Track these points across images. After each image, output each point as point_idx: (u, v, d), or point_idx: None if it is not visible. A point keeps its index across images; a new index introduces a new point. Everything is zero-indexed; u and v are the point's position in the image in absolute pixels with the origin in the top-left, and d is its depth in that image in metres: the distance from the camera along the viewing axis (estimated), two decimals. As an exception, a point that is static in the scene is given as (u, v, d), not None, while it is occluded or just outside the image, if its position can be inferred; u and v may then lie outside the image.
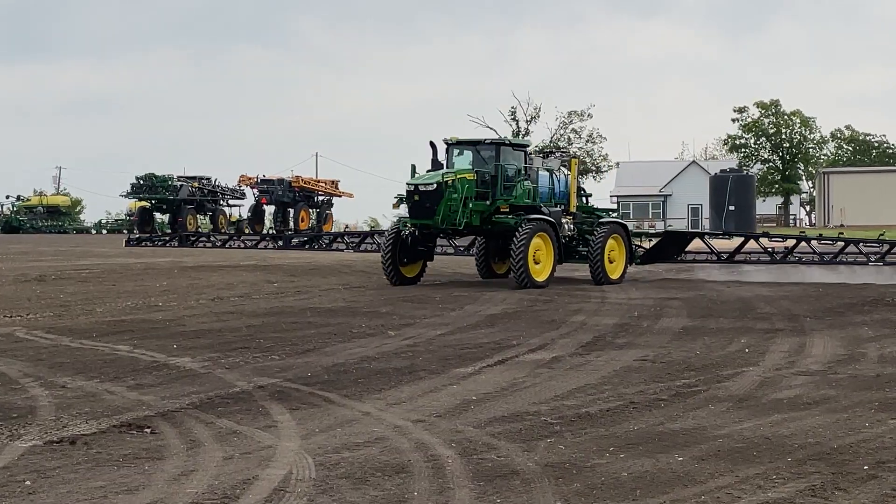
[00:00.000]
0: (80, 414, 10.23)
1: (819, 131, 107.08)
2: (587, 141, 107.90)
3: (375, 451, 8.74)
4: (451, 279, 29.28)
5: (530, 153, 28.77)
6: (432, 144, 27.86)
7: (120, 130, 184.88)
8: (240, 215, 78.47)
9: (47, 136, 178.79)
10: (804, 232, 31.61)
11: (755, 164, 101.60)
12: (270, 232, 37.85)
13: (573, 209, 29.01)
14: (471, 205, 26.36)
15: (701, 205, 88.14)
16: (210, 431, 9.45)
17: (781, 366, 13.41)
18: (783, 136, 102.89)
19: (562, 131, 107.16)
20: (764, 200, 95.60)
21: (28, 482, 7.73)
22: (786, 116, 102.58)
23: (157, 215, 76.72)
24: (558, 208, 28.38)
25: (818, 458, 8.46)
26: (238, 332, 17.05)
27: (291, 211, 74.43)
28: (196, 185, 73.56)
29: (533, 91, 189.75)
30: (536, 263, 25.94)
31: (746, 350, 14.79)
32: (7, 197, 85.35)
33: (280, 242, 40.91)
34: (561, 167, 29.52)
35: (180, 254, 40.63)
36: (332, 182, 79.11)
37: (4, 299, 22.51)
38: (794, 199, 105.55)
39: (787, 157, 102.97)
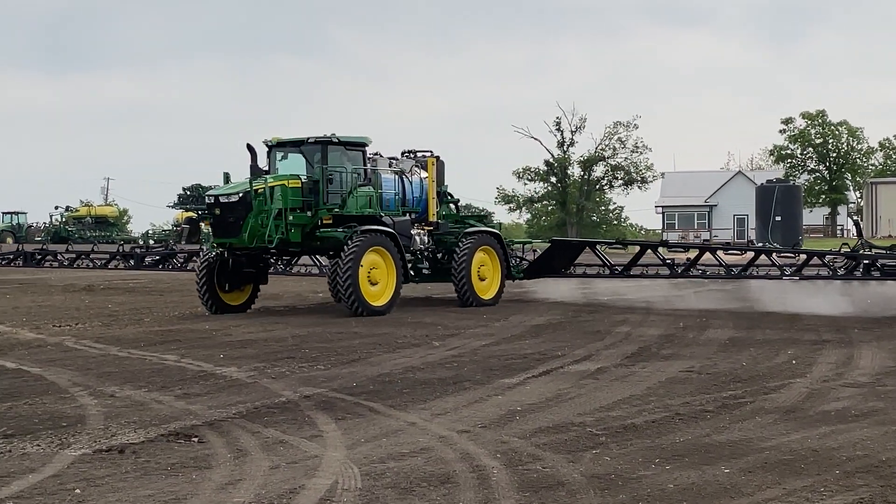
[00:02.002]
0: (129, 423, 10.32)
1: (866, 141, 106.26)
2: (632, 151, 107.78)
3: (421, 461, 8.75)
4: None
5: (376, 155, 24.45)
6: (250, 148, 23.27)
7: (166, 141, 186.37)
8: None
9: (95, 148, 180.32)
10: (708, 242, 28.14)
11: (802, 174, 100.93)
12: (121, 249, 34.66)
13: (432, 218, 25.05)
14: (291, 217, 22.27)
15: (747, 215, 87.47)
16: (256, 441, 9.51)
17: (829, 377, 13.31)
18: (830, 147, 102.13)
19: (607, 141, 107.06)
20: (811, 211, 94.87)
21: (77, 490, 7.81)
22: (832, 127, 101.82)
23: (203, 226, 77.15)
24: (407, 217, 24.26)
25: (866, 471, 8.38)
26: (284, 341, 17.14)
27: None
28: (241, 195, 73.85)
29: (576, 101, 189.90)
30: (373, 285, 22.00)
31: (794, 361, 14.68)
32: (56, 207, 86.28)
33: (132, 262, 36.09)
34: (415, 169, 25.20)
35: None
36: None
37: (54, 309, 22.76)
38: (842, 209, 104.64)
39: (834, 168, 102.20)
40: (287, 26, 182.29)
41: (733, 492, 7.78)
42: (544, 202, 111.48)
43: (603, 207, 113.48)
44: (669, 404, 11.35)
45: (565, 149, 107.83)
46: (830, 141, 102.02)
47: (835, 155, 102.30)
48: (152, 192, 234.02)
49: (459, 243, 24.47)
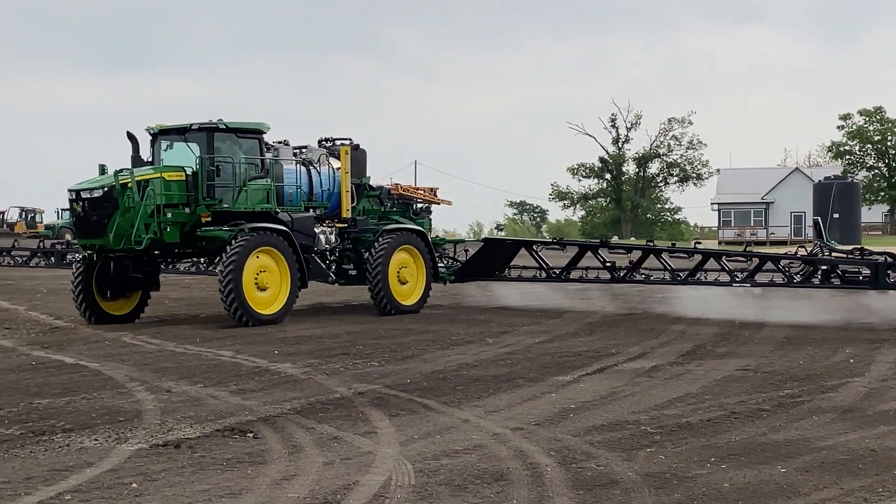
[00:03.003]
0: (185, 418, 10.40)
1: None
2: (687, 148, 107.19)
3: (474, 458, 8.75)
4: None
5: (281, 143, 22.13)
6: (130, 136, 20.67)
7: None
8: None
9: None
10: (652, 243, 22.82)
11: (860, 171, 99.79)
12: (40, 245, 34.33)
13: (346, 214, 22.50)
14: (170, 215, 19.68)
15: (804, 213, 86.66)
16: (311, 437, 9.55)
17: (888, 376, 13.14)
18: (889, 143, 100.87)
19: (662, 138, 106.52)
20: (870, 208, 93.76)
21: (134, 485, 7.88)
22: (890, 123, 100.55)
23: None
24: (310, 213, 21.72)
25: (926, 472, 8.27)
26: (338, 338, 17.21)
27: (391, 218, 74.92)
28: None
29: (631, 98, 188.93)
30: (262, 291, 19.53)
31: (851, 360, 14.52)
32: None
33: (52, 259, 34.10)
34: (325, 159, 22.59)
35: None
36: (431, 189, 79.41)
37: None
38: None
39: (894, 164, 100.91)
40: (343, 25, 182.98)
41: (790, 491, 7.71)
42: (599, 199, 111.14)
43: (658, 205, 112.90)
44: (725, 403, 11.26)
45: (620, 145, 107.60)
46: (889, 137, 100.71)
47: (894, 152, 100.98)
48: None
49: (376, 242, 21.96)
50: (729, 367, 13.86)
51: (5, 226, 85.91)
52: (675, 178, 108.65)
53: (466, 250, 25.63)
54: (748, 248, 22.45)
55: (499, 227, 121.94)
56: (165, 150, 20.72)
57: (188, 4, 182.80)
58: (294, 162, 21.80)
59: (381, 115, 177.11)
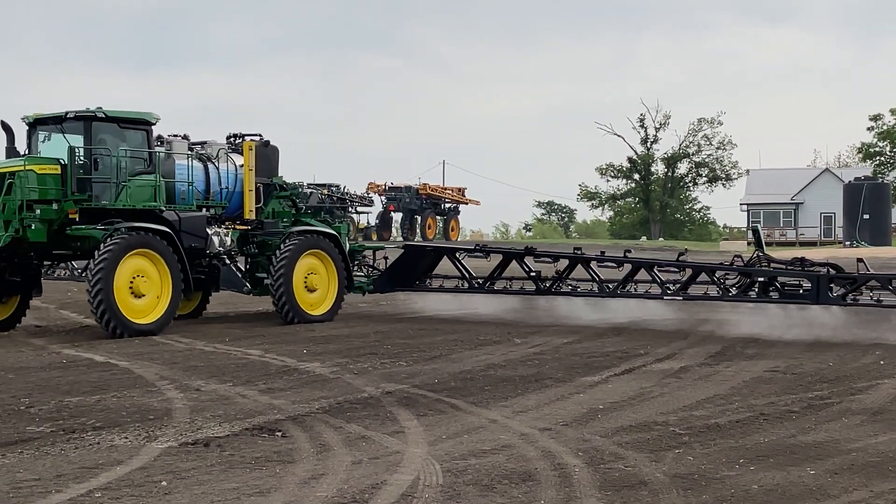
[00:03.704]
0: (214, 417, 10.46)
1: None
2: (717, 148, 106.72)
3: (502, 458, 8.75)
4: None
5: (175, 137, 20.46)
6: (5, 126, 19.00)
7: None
8: (368, 222, 79.43)
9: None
10: (579, 251, 21.33)
11: (891, 171, 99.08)
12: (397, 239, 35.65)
13: (249, 215, 20.80)
14: (38, 211, 17.83)
15: (834, 213, 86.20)
16: (339, 436, 9.58)
17: (918, 379, 13.07)
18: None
19: (691, 138, 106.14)
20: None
21: (164, 482, 7.93)
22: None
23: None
24: (202, 213, 19.82)
25: (957, 475, 8.22)
26: (366, 337, 17.25)
27: (419, 218, 75.06)
28: (325, 192, 74.40)
29: (660, 98, 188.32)
30: (139, 298, 17.65)
31: (881, 362, 14.43)
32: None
33: None
34: (225, 155, 20.90)
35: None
36: (459, 189, 79.44)
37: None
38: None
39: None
40: (371, 25, 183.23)
41: (819, 493, 7.67)
42: (627, 199, 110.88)
43: (687, 205, 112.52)
44: (754, 404, 11.23)
45: (649, 146, 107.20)
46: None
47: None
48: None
49: (280, 245, 20.29)
50: (758, 369, 13.81)
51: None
52: (704, 179, 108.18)
53: (386, 258, 23.74)
54: (682, 258, 20.14)
55: (527, 228, 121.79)
56: (43, 142, 19.01)
57: (215, 4, 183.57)
58: (188, 157, 19.98)
59: (409, 115, 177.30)
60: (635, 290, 20.25)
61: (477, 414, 10.72)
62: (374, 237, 73.78)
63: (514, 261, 21.33)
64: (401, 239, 74.94)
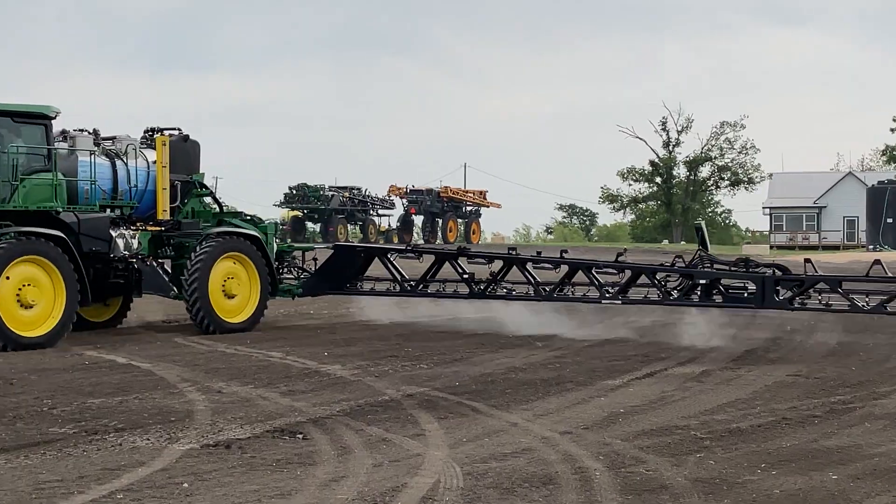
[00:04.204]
0: (235, 419, 10.48)
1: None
2: (740, 152, 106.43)
3: (523, 461, 8.75)
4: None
5: (78, 131, 18.79)
6: None
7: (273, 141, 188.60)
8: (389, 225, 79.58)
9: (203, 147, 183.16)
10: (514, 251, 19.83)
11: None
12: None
13: (163, 216, 19.17)
14: None
15: (857, 217, 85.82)
16: (360, 438, 9.59)
17: (942, 384, 12.99)
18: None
19: (713, 141, 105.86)
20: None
21: (185, 484, 7.95)
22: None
23: (309, 224, 78.23)
24: (105, 214, 18.17)
25: (981, 480, 8.17)
26: (387, 340, 17.27)
27: (440, 221, 75.13)
28: (347, 195, 74.74)
29: (682, 101, 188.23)
30: (28, 308, 16.09)
31: (905, 367, 14.37)
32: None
33: None
34: (135, 151, 19.10)
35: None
36: (481, 192, 79.49)
37: (165, 304, 23.18)
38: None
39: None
40: (389, 26, 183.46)
41: (841, 498, 7.64)
42: (649, 203, 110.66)
43: (709, 209, 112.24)
44: (776, 408, 11.19)
45: (671, 149, 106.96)
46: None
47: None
48: (261, 191, 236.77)
49: (196, 248, 18.62)
50: (780, 373, 13.76)
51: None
52: (727, 182, 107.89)
53: (315, 259, 21.95)
54: (621, 258, 18.57)
55: (548, 231, 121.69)
56: None
57: (231, 6, 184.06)
58: (92, 153, 18.28)
59: (431, 118, 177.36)
60: (572, 294, 18.91)
61: (498, 417, 10.72)
62: (396, 240, 74.02)
63: (448, 262, 19.97)
64: (422, 242, 75.03)
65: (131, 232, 18.53)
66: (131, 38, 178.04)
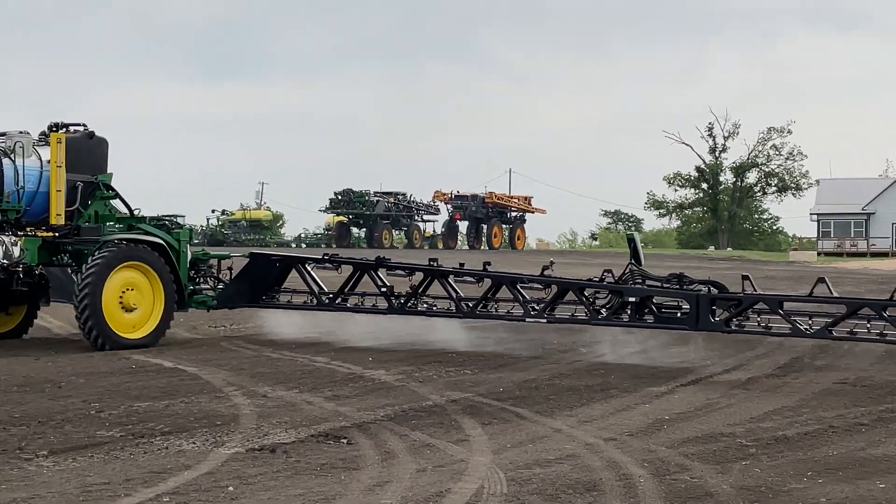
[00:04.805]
0: (280, 423, 10.53)
1: None
2: (787, 158, 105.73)
3: (567, 468, 8.74)
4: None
5: None
6: None
7: (319, 147, 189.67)
8: (434, 231, 79.71)
9: (251, 153, 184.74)
10: (435, 262, 17.73)
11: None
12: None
13: (56, 220, 16.96)
14: None
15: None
16: (404, 444, 9.61)
17: None
18: None
19: (760, 147, 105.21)
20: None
21: (231, 488, 8.00)
22: None
23: (354, 230, 78.53)
24: None
25: None
26: (432, 345, 17.28)
27: (485, 227, 75.16)
28: (392, 200, 75.04)
29: (728, 107, 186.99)
30: None
31: (954, 375, 14.22)
32: (213, 211, 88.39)
33: None
34: (32, 149, 17.18)
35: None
36: (526, 198, 79.48)
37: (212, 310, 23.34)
38: None
39: None
40: (438, 32, 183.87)
41: (888, 508, 7.57)
42: (695, 209, 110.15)
43: (756, 215, 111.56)
44: (823, 416, 11.10)
45: (717, 155, 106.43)
46: None
47: None
48: (307, 196, 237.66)
49: (90, 257, 16.63)
50: (827, 380, 13.65)
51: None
52: (774, 189, 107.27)
53: (230, 268, 19.59)
54: (546, 272, 16.69)
55: (593, 237, 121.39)
56: None
57: (287, 13, 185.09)
58: None
59: (474, 123, 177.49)
60: (496, 310, 17.27)
61: (542, 423, 10.70)
62: (441, 245, 74.20)
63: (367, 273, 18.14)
64: (467, 247, 75.10)
65: (13, 239, 16.49)
66: (182, 46, 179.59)
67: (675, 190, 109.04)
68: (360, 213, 74.06)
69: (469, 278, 17.51)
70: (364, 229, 77.38)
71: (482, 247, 73.85)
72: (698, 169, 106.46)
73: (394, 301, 17.66)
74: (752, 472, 8.63)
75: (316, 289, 18.48)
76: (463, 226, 77.44)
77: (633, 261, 16.36)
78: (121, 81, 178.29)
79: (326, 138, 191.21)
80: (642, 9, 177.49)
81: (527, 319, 16.55)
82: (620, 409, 11.51)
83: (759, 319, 15.02)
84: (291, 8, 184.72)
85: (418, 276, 17.84)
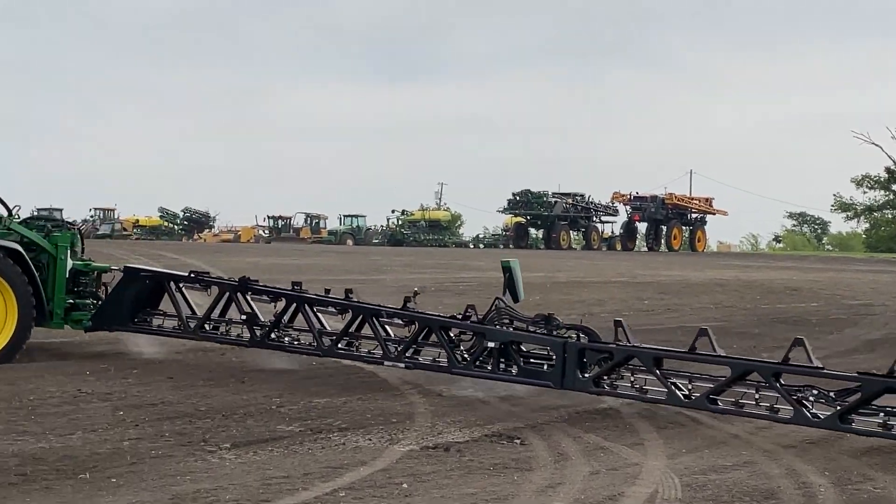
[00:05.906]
0: (455, 422, 10.60)
1: None
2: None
3: (743, 474, 8.57)
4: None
5: None
6: None
7: (498, 148, 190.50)
8: (612, 232, 79.17)
9: (430, 154, 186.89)
10: (299, 286, 14.34)
11: None
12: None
13: None
14: None
15: None
16: (577, 446, 9.57)
17: None
18: None
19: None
20: None
21: (405, 485, 8.10)
22: None
23: (532, 230, 78.63)
24: None
25: None
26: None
27: (664, 228, 74.27)
28: (570, 201, 74.90)
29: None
30: None
31: None
32: (393, 211, 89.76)
33: None
34: None
35: (552, 268, 41.25)
36: (706, 199, 78.18)
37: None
38: None
39: None
40: (616, 34, 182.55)
41: None
42: (885, 211, 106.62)
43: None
44: None
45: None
46: None
47: None
48: (485, 197, 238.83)
49: None
50: None
51: (292, 231, 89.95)
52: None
53: (105, 285, 15.95)
54: (409, 305, 13.39)
55: (776, 239, 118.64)
56: None
57: (463, 15, 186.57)
58: None
59: (654, 125, 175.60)
60: (356, 349, 13.77)
61: (718, 429, 10.52)
62: (619, 247, 73.67)
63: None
64: (645, 250, 74.33)
65: None
66: (359, 49, 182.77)
67: (864, 192, 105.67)
68: (538, 213, 74.15)
69: (331, 309, 14.26)
70: (542, 230, 77.41)
71: (660, 248, 73.00)
72: (888, 170, 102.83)
73: (255, 331, 14.53)
74: (940, 484, 8.32)
75: (184, 312, 15.14)
76: (642, 227, 76.66)
77: (501, 296, 12.96)
78: (302, 84, 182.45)
79: (504, 139, 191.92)
80: (829, 8, 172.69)
81: (385, 363, 13.41)
82: (801, 416, 11.20)
83: (632, 379, 11.35)
84: (473, 9, 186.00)
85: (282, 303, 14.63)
